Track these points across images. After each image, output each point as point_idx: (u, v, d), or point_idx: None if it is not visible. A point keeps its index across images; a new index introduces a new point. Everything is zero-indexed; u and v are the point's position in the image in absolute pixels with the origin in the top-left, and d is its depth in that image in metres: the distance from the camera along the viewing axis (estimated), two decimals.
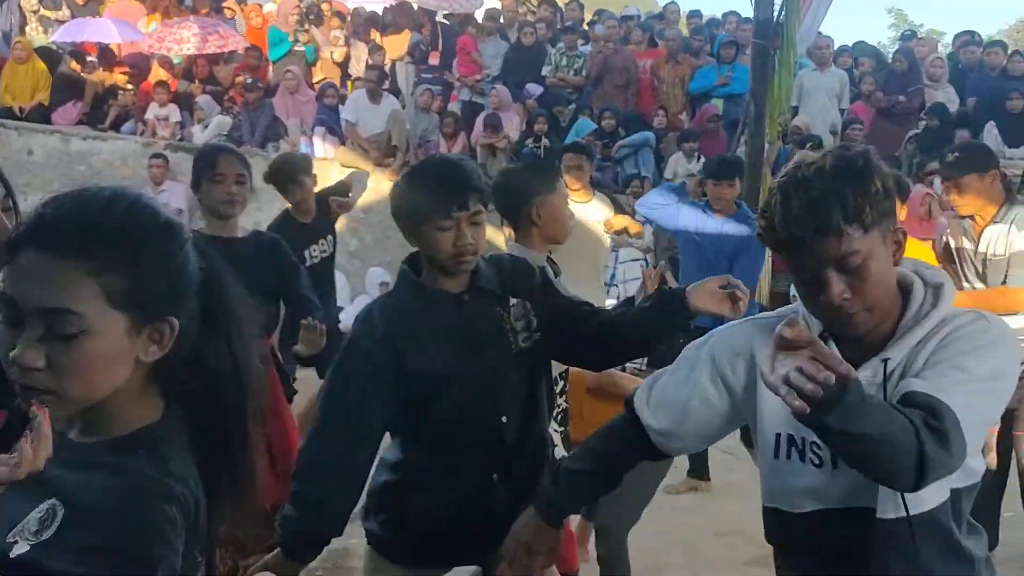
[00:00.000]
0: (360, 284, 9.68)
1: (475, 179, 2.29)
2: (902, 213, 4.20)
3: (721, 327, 1.94)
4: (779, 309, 1.91)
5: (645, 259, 8.67)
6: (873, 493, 1.66)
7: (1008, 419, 4.07)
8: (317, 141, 10.26)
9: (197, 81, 11.49)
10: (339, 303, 9.20)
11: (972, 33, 11.27)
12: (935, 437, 1.48)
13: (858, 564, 1.73)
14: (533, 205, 3.23)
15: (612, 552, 3.44)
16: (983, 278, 4.09)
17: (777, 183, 1.62)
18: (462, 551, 2.44)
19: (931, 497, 1.64)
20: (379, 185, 9.99)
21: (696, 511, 4.84)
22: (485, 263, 2.41)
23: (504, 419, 2.35)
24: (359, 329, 2.35)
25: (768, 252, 5.84)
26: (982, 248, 4.07)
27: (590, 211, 5.44)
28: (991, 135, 9.22)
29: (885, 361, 1.65)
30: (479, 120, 10.28)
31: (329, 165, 9.93)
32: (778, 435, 1.78)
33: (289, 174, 4.97)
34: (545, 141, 9.76)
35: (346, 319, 9.05)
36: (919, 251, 4.34)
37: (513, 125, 10.32)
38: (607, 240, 5.66)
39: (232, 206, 3.37)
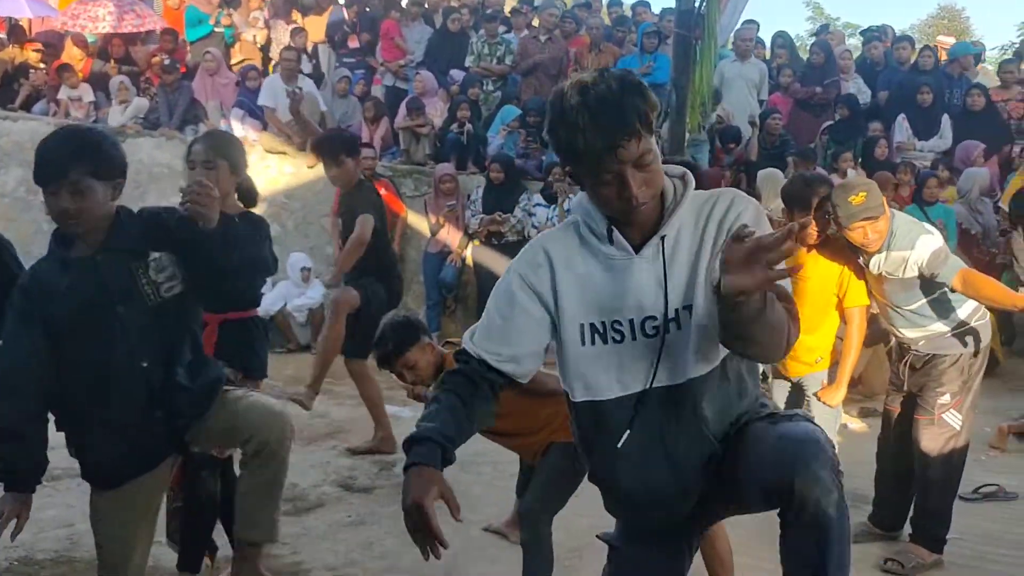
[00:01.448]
0: (281, 270, 9.57)
1: (76, 156, 2.60)
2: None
3: (520, 255, 2.20)
4: (565, 220, 2.22)
5: None
6: (685, 365, 2.03)
7: (909, 404, 4.20)
8: (236, 124, 10.08)
9: (112, 61, 11.20)
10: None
11: (881, 28, 11.59)
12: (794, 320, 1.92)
13: (674, 429, 2.06)
14: None
15: (534, 537, 3.48)
16: None
17: (576, 102, 1.87)
18: (140, 471, 2.84)
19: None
20: (299, 171, 9.89)
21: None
22: (129, 221, 2.76)
23: (144, 364, 2.72)
24: (21, 282, 2.77)
25: None
26: None
27: None
28: (902, 127, 9.49)
29: (662, 238, 2.01)
30: (403, 105, 10.21)
31: (251, 149, 9.78)
32: (582, 325, 2.08)
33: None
34: (469, 127, 9.74)
35: (266, 305, 8.98)
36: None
37: (437, 111, 10.28)
38: None
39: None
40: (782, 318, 1.85)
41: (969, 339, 3.99)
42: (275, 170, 9.70)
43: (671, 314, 2.00)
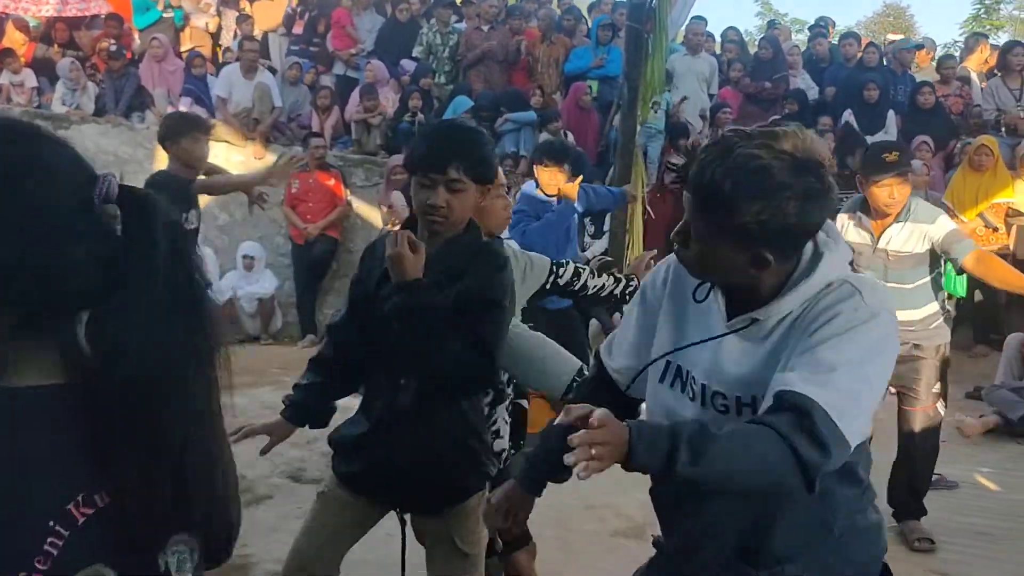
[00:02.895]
0: (230, 260, 9.47)
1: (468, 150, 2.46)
2: None
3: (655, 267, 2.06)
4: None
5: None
6: None
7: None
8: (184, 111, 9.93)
9: (56, 46, 10.96)
10: (208, 278, 9.01)
11: (823, 19, 11.74)
12: (809, 439, 1.54)
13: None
14: None
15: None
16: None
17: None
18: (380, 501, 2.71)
19: None
20: (248, 160, 9.77)
21: (568, 486, 4.92)
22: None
23: (402, 381, 2.50)
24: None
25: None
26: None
27: None
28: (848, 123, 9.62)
29: (754, 320, 1.75)
30: (354, 93, 10.13)
31: None
32: (668, 361, 1.88)
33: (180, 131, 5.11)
34: (420, 117, 9.70)
35: (215, 294, 8.86)
36: None
37: (389, 101, 10.21)
38: None
39: None
40: (731, 454, 1.56)
41: (945, 329, 4.25)
42: (223, 159, 9.56)
43: (746, 399, 1.76)
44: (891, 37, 14.39)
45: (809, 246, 1.75)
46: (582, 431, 1.49)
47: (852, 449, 1.62)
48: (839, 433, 1.57)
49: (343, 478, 2.68)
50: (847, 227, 4.22)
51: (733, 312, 1.78)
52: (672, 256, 1.94)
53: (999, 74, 9.71)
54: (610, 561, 4.13)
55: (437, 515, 2.64)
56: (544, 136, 9.45)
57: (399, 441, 2.49)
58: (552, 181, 5.54)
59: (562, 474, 1.93)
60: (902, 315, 4.08)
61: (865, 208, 4.21)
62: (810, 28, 12.29)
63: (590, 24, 11.19)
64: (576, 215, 5.76)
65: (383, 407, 2.55)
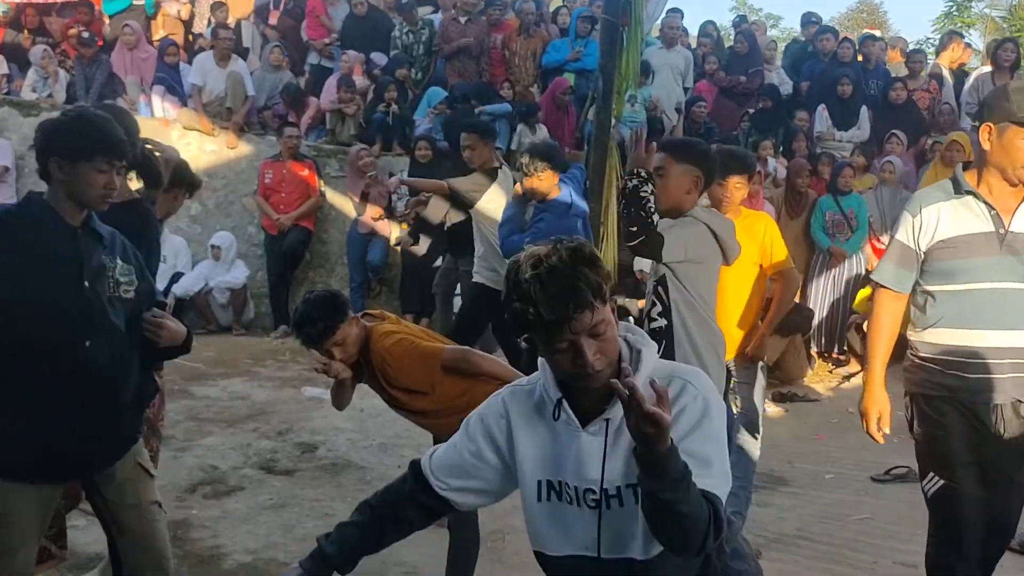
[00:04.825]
0: (202, 249, 9.41)
1: (119, 140, 2.71)
2: (737, 190, 4.38)
3: (488, 400, 2.24)
4: (531, 376, 2.21)
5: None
6: (627, 541, 2.04)
7: None
8: (156, 100, 9.84)
9: (26, 32, 10.83)
10: (180, 268, 8.93)
11: (816, 19, 11.77)
12: (715, 522, 1.90)
13: None
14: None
15: (462, 519, 3.50)
16: None
17: (530, 275, 1.91)
18: (66, 467, 2.79)
19: None
20: (221, 149, 9.70)
21: None
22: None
23: (87, 343, 2.69)
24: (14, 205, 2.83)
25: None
26: None
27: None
28: (822, 118, 9.68)
29: (607, 421, 2.03)
30: (329, 83, 10.07)
31: (170, 127, 9.58)
32: (539, 481, 2.11)
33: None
34: (395, 107, 9.66)
35: (186, 285, 8.82)
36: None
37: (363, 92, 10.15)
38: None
39: None
40: (698, 511, 1.86)
41: None
42: (196, 148, 9.50)
43: (612, 491, 2.03)
44: (869, 32, 14.43)
45: (622, 346, 2.04)
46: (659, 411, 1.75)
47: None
48: (723, 507, 1.94)
49: None
50: (942, 218, 3.16)
51: (581, 418, 2.05)
52: (505, 390, 2.21)
53: (990, 70, 9.79)
54: None
55: None
56: (521, 128, 9.45)
57: None
58: (553, 182, 5.58)
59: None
60: None
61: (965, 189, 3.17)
62: (802, 16, 12.14)
63: (563, 19, 11.15)
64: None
65: None
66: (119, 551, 2.96)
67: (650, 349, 2.08)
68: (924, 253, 3.20)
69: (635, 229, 3.40)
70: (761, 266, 4.34)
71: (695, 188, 3.58)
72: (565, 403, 2.07)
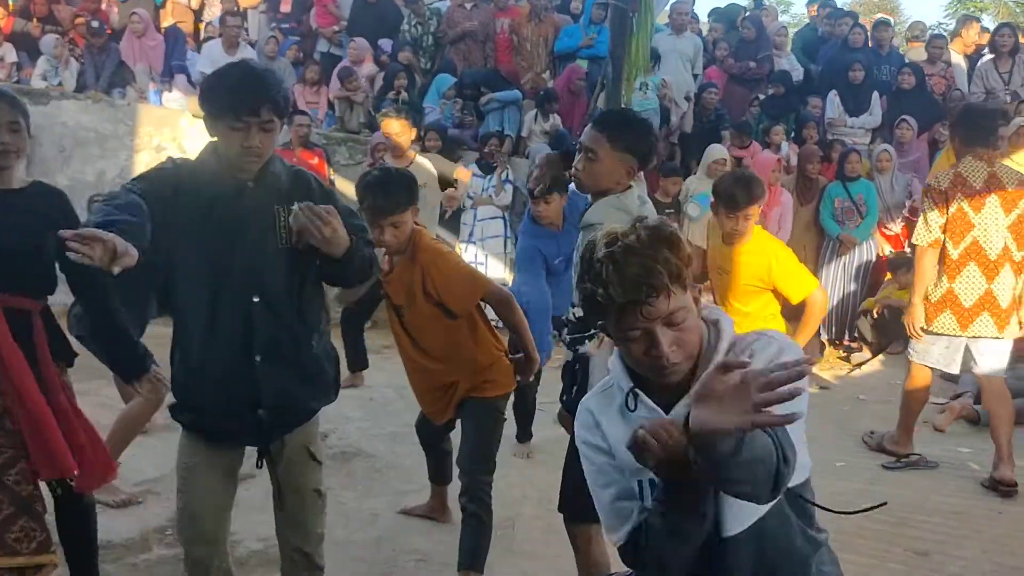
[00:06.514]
0: None
1: (271, 90, 2.60)
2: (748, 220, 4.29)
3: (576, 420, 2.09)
4: (604, 379, 2.08)
5: (504, 217, 8.72)
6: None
7: None
8: (166, 89, 9.85)
9: (35, 20, 10.83)
10: None
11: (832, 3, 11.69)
12: (783, 457, 1.70)
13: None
14: None
15: (485, 507, 3.54)
16: None
17: (603, 254, 1.78)
18: (238, 432, 2.85)
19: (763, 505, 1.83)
20: None
21: (548, 464, 4.95)
22: (282, 167, 2.77)
23: (256, 299, 2.67)
24: (159, 167, 2.76)
25: None
26: None
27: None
28: (833, 104, 9.63)
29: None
30: (334, 72, 10.06)
31: (179, 115, 9.58)
32: (640, 481, 1.94)
33: None
34: (404, 95, 9.64)
35: None
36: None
37: (372, 79, 10.14)
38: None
39: (6, 156, 3.01)
40: (766, 448, 1.67)
41: None
42: (205, 137, 9.47)
43: None
44: (882, 17, 14.32)
45: (699, 322, 1.88)
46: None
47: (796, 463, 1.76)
48: (794, 447, 1.73)
49: None
50: None
51: (659, 403, 1.89)
52: (585, 401, 2.07)
53: (992, 57, 9.72)
54: None
55: None
56: (532, 114, 9.40)
57: None
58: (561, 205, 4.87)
59: None
60: None
61: None
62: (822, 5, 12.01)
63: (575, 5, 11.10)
64: None
65: None
66: (276, 520, 3.05)
67: (726, 320, 1.93)
68: None
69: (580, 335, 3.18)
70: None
71: (627, 178, 3.19)
72: (640, 393, 1.92)
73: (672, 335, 1.80)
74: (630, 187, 3.20)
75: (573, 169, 3.27)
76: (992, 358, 4.97)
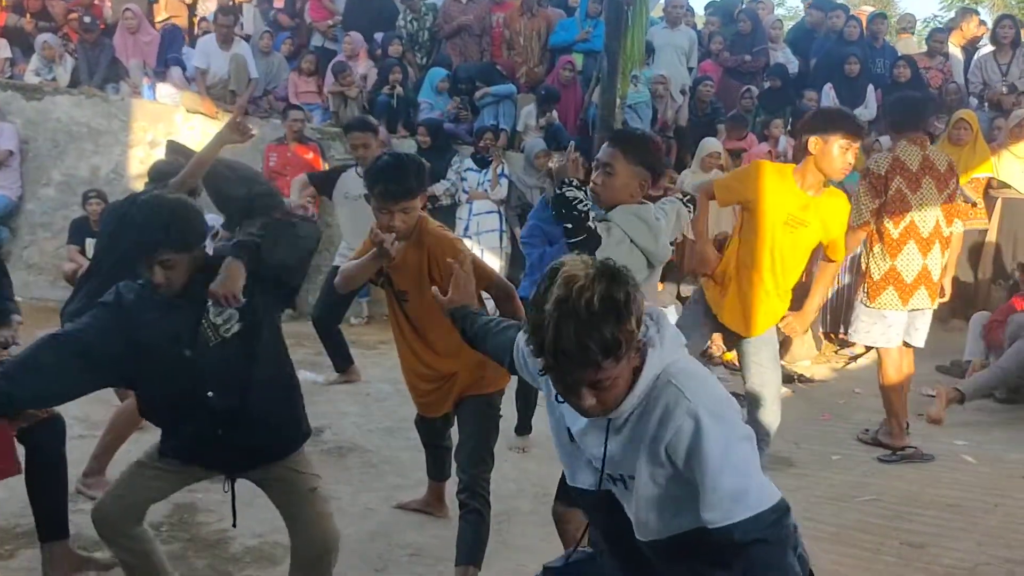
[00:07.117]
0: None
1: (169, 230, 2.86)
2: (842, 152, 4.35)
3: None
4: None
5: (499, 211, 8.71)
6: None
7: None
8: (160, 84, 9.81)
9: (28, 15, 10.80)
10: None
11: None
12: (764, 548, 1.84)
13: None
14: None
15: (484, 502, 3.53)
16: None
17: (550, 309, 1.82)
18: (212, 465, 3.17)
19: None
20: None
21: (543, 458, 4.95)
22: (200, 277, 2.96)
23: (210, 394, 2.94)
24: (112, 295, 2.99)
25: None
26: None
27: None
28: (828, 97, 9.62)
29: (609, 421, 2.00)
30: (329, 68, 10.03)
31: (174, 110, 9.55)
32: (568, 428, 2.14)
33: None
34: (399, 90, 9.62)
35: None
36: None
37: (367, 73, 10.12)
38: None
39: None
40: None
41: None
42: (199, 132, 9.47)
43: (615, 475, 2.08)
44: (863, 11, 14.31)
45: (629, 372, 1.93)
46: None
47: (773, 503, 1.85)
48: (757, 514, 1.83)
49: None
50: None
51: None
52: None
53: (992, 49, 9.71)
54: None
55: None
56: (529, 110, 9.38)
57: None
58: None
59: None
60: None
61: None
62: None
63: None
64: None
65: None
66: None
67: (657, 352, 1.97)
68: None
69: (571, 227, 3.36)
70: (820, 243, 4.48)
71: (640, 191, 3.47)
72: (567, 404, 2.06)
73: (594, 394, 1.90)
74: (644, 203, 3.45)
75: (591, 184, 3.48)
76: (924, 330, 5.35)
